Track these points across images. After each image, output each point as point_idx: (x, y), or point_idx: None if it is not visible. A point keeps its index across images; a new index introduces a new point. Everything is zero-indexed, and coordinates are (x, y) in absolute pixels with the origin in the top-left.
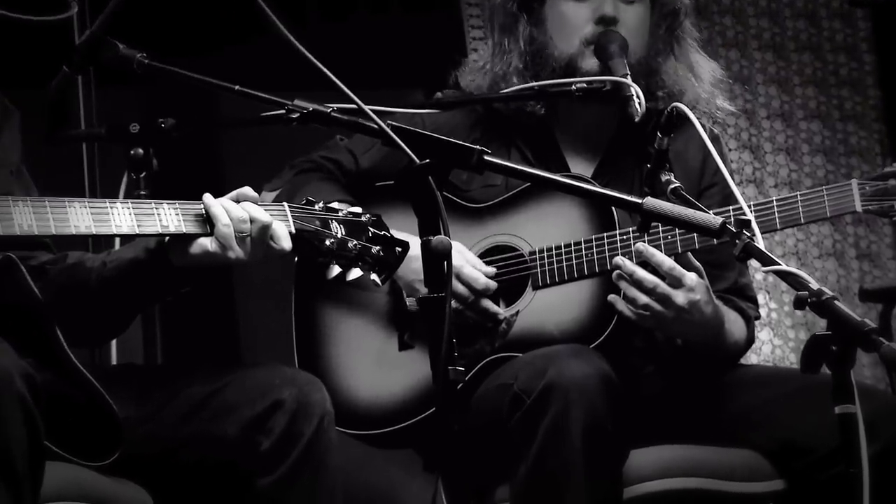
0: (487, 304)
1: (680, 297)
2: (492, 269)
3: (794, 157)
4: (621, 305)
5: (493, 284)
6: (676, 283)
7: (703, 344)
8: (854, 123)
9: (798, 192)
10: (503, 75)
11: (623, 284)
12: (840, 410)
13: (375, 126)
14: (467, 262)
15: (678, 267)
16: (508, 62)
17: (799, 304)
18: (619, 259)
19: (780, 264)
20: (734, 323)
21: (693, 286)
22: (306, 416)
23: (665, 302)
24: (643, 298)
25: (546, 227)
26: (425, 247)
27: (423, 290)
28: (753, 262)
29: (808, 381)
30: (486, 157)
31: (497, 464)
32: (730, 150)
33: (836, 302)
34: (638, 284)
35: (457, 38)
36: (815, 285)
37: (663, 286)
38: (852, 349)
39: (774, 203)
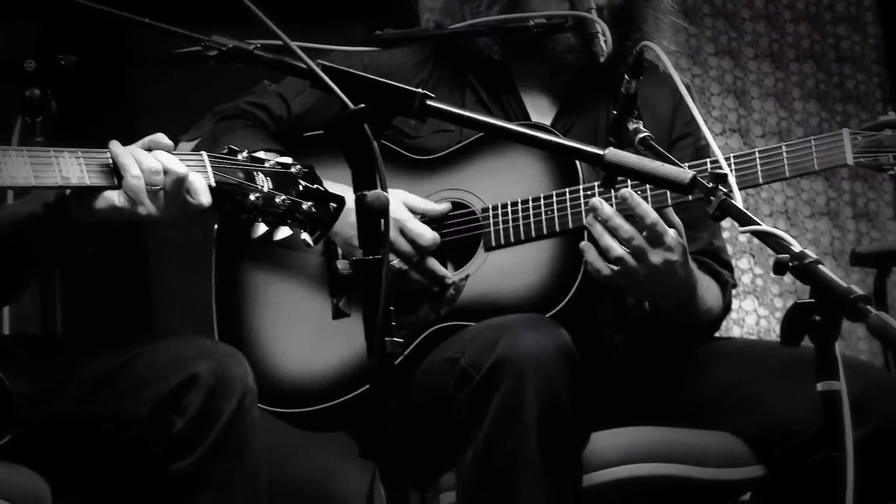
0: (434, 264)
1: (657, 255)
2: (443, 208)
3: (784, 103)
4: (592, 255)
5: (439, 239)
6: (657, 239)
7: (674, 310)
8: (852, 65)
9: (783, 144)
10: (456, 9)
11: (597, 230)
12: (823, 387)
13: (304, 66)
14: (413, 214)
15: (662, 222)
16: None
17: (779, 268)
18: (596, 200)
19: (759, 224)
20: (707, 289)
21: (672, 245)
22: (225, 393)
23: (640, 258)
24: (617, 249)
25: (502, 181)
26: (360, 202)
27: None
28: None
29: (793, 355)
30: (429, 102)
31: (442, 448)
32: (711, 94)
33: (819, 266)
34: (614, 232)
35: None
36: (797, 247)
37: (640, 239)
38: (837, 319)
39: (757, 155)
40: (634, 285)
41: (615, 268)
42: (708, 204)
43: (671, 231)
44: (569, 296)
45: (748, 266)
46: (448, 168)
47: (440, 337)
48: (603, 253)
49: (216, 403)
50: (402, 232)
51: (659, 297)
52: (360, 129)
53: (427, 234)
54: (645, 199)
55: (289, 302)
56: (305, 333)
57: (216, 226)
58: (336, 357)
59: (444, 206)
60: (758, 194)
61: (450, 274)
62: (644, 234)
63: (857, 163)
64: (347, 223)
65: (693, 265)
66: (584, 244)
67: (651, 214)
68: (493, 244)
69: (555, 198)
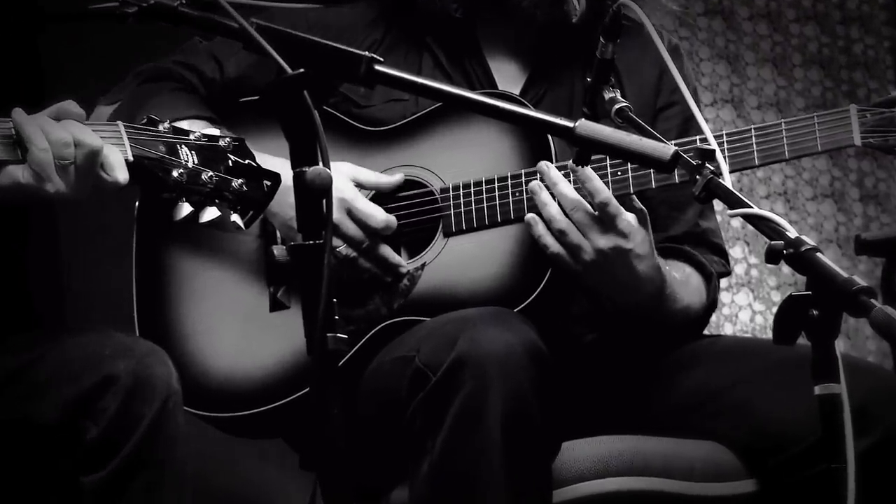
0: (386, 251)
1: (605, 239)
2: (397, 179)
3: (783, 69)
4: (540, 228)
5: (393, 221)
6: (608, 220)
7: (635, 307)
8: (859, 27)
9: (782, 120)
10: None
11: (542, 197)
12: (821, 391)
13: (235, 26)
14: (363, 191)
15: (615, 203)
16: None
17: (772, 256)
18: (543, 164)
19: (749, 206)
20: (685, 284)
21: (626, 232)
22: (146, 396)
23: (586, 234)
24: (560, 220)
25: (464, 158)
26: (298, 180)
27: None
28: (719, 205)
29: (788, 355)
30: (377, 68)
31: (393, 459)
32: (700, 59)
33: (817, 254)
34: (559, 200)
35: None
36: (792, 233)
37: (584, 214)
38: (837, 314)
39: (753, 133)
40: (584, 272)
41: (557, 247)
42: (693, 184)
43: (628, 215)
44: (538, 288)
45: (742, 255)
46: (402, 141)
47: (392, 333)
48: (547, 223)
49: (135, 408)
50: (350, 213)
51: (613, 291)
52: (298, 96)
53: (378, 216)
54: (625, 180)
55: (220, 292)
56: (238, 327)
57: (136, 205)
58: (273, 354)
59: (397, 177)
60: (753, 174)
61: (404, 262)
62: (595, 213)
63: (865, 143)
64: (287, 203)
65: (661, 259)
66: (531, 216)
67: (602, 192)
68: (454, 229)
69: (524, 178)
